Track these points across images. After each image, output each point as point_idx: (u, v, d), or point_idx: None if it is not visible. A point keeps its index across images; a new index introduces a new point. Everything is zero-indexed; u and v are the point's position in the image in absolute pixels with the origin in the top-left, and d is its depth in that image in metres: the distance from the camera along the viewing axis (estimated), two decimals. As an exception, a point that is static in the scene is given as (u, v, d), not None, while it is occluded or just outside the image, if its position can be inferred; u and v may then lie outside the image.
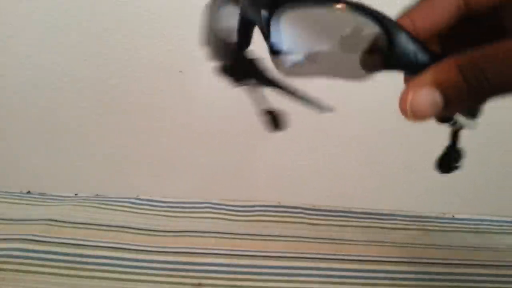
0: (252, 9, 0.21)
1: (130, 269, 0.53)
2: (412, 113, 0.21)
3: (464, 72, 0.20)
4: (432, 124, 0.71)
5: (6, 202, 0.64)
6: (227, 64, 0.26)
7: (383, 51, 0.21)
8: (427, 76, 0.21)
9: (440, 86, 0.20)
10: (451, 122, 0.27)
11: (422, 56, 0.21)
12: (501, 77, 0.20)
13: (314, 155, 0.65)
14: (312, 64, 0.22)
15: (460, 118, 0.26)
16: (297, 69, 0.22)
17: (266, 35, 0.20)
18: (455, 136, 0.28)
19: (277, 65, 0.22)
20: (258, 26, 0.21)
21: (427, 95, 0.20)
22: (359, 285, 0.53)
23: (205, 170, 0.67)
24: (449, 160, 0.28)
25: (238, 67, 0.26)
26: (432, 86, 0.20)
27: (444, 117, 0.27)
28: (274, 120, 0.28)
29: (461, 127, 0.27)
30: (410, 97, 0.21)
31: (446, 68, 0.20)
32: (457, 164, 0.28)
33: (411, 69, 0.21)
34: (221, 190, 0.68)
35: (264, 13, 0.20)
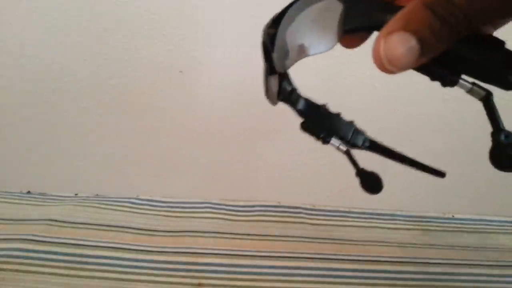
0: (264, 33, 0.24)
1: (130, 269, 0.53)
2: (388, 62, 0.19)
3: (433, 7, 0.18)
4: (432, 124, 0.70)
5: (6, 202, 0.64)
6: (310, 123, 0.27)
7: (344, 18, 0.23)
8: (396, 21, 0.19)
9: (411, 28, 0.18)
10: (468, 89, 0.22)
11: (382, 12, 0.21)
12: (474, 3, 0.18)
13: (314, 155, 0.65)
14: (301, 53, 0.24)
15: (472, 84, 0.22)
16: (291, 62, 0.24)
17: (270, 50, 0.23)
18: (491, 112, 0.22)
19: (280, 67, 0.24)
20: (265, 44, 0.23)
21: (400, 39, 0.18)
22: (359, 285, 0.53)
23: (205, 170, 0.67)
24: (500, 149, 0.22)
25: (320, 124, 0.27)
26: (403, 30, 0.18)
27: (438, 72, 0.22)
28: (370, 181, 0.28)
29: (486, 97, 0.22)
30: (382, 44, 0.19)
31: (413, 9, 0.19)
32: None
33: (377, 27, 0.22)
34: (221, 190, 0.68)
35: (270, 31, 0.23)
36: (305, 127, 0.26)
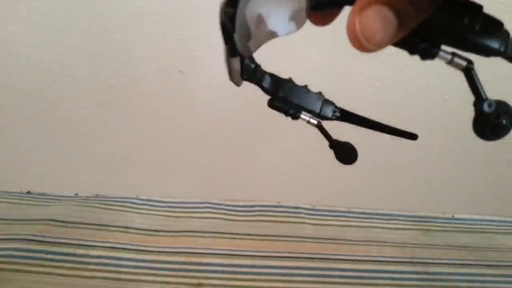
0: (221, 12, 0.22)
1: (130, 269, 0.53)
2: (365, 39, 0.18)
3: None
4: (432, 124, 0.70)
5: (6, 202, 0.64)
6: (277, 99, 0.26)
7: None
8: None
9: (386, 0, 0.17)
10: (448, 60, 0.21)
11: None
12: None
13: (314, 155, 0.65)
14: (262, 28, 0.23)
15: (452, 54, 0.21)
16: (255, 43, 0.23)
17: (231, 30, 0.22)
18: (472, 82, 0.21)
19: (243, 49, 0.22)
20: (224, 24, 0.22)
21: (375, 13, 0.17)
22: (359, 285, 0.53)
23: (205, 170, 0.67)
24: (483, 119, 0.21)
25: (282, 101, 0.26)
26: (377, 3, 0.17)
27: (417, 45, 0.21)
28: (344, 152, 0.28)
29: (467, 67, 0.21)
30: (357, 21, 0.18)
31: None
32: (499, 121, 0.21)
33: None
34: (221, 190, 0.68)
35: (228, 10, 0.22)
36: (272, 104, 0.25)
